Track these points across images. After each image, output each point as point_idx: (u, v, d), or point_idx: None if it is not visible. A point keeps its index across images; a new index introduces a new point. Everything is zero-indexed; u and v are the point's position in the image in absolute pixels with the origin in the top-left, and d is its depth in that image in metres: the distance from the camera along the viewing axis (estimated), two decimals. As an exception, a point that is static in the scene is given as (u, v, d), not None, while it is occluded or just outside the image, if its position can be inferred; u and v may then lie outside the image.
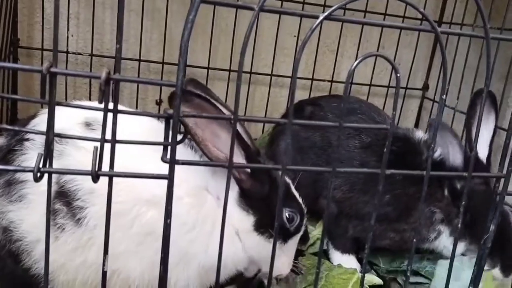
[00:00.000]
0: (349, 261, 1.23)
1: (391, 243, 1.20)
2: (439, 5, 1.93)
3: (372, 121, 1.30)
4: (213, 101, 0.76)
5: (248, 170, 0.90)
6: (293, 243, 1.00)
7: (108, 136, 0.61)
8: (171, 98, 0.77)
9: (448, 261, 0.75)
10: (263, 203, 0.92)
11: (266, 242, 0.92)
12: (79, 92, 1.74)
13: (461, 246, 1.18)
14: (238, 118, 0.64)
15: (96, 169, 0.62)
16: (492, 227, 0.81)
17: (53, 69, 0.58)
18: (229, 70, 1.77)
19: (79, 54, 1.69)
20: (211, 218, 0.88)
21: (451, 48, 1.97)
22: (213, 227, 0.88)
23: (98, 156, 0.62)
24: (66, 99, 1.65)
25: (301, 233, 1.00)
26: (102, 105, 0.60)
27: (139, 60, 1.69)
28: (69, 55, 1.66)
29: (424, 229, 1.15)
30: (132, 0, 1.69)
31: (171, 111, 0.63)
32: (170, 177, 0.64)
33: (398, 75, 0.69)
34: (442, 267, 1.18)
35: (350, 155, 1.21)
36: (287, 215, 0.96)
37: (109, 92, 0.60)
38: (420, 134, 1.24)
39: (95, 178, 0.62)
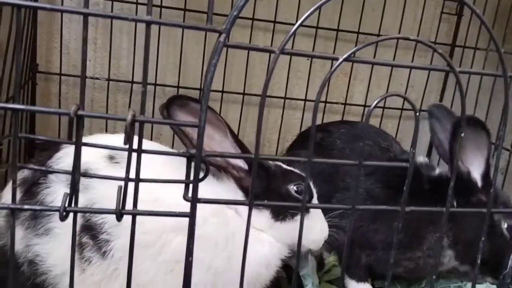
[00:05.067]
0: (365, 289, 1.23)
1: (405, 270, 1.20)
2: (452, 28, 1.94)
3: (378, 146, 1.33)
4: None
5: (246, 167, 0.93)
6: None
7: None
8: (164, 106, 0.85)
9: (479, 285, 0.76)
10: (268, 194, 0.95)
11: (290, 224, 0.95)
12: (95, 115, 1.77)
13: (465, 268, 1.21)
14: (259, 157, 0.65)
15: (120, 207, 0.64)
16: (510, 263, 0.81)
17: (80, 112, 0.60)
18: (243, 94, 1.79)
19: (96, 78, 1.72)
20: (239, 232, 0.90)
21: (465, 69, 1.97)
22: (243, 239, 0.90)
23: (122, 195, 0.64)
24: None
25: (316, 195, 1.04)
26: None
27: (155, 84, 1.72)
28: (86, 80, 1.68)
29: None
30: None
31: (193, 151, 0.64)
32: (192, 215, 0.65)
33: (418, 114, 0.69)
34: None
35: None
36: (295, 189, 0.98)
37: (133, 133, 0.62)
38: (421, 159, 1.29)
39: (119, 217, 0.63)
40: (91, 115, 0.61)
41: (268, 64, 1.83)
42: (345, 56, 0.66)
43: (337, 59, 0.67)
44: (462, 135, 0.71)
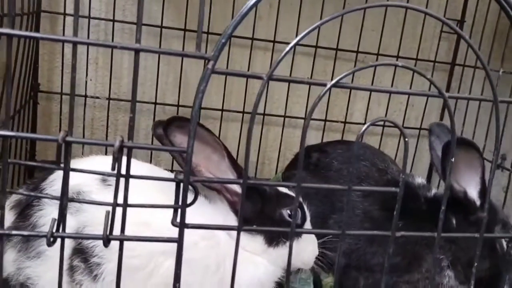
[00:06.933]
0: (363, 312, 1.21)
1: None
2: (452, 47, 1.94)
3: (375, 168, 1.33)
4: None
5: (240, 191, 0.91)
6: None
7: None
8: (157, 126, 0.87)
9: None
10: (262, 218, 0.94)
11: (283, 249, 0.94)
12: (96, 133, 1.78)
13: None
14: (247, 182, 0.65)
15: (108, 233, 0.64)
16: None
17: (68, 138, 0.60)
18: (243, 112, 1.79)
19: (97, 98, 1.73)
20: (231, 255, 0.89)
21: (465, 88, 1.97)
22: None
23: (110, 220, 0.64)
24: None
25: (309, 218, 1.02)
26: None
27: (155, 103, 1.73)
28: (87, 98, 1.70)
29: (436, 278, 1.15)
30: (149, 45, 1.74)
31: (181, 176, 0.64)
32: (179, 241, 0.65)
33: (406, 139, 0.69)
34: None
35: (352, 203, 1.21)
36: (289, 213, 0.97)
37: (121, 158, 0.62)
38: (419, 180, 1.29)
39: (106, 242, 0.63)
40: (78, 141, 0.61)
41: (268, 83, 1.84)
42: (333, 82, 0.66)
43: (325, 85, 0.67)
44: (453, 159, 0.70)
